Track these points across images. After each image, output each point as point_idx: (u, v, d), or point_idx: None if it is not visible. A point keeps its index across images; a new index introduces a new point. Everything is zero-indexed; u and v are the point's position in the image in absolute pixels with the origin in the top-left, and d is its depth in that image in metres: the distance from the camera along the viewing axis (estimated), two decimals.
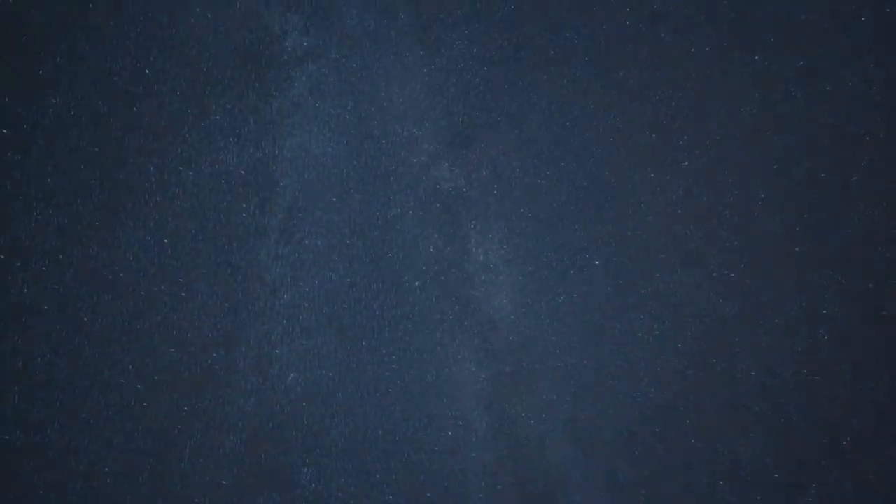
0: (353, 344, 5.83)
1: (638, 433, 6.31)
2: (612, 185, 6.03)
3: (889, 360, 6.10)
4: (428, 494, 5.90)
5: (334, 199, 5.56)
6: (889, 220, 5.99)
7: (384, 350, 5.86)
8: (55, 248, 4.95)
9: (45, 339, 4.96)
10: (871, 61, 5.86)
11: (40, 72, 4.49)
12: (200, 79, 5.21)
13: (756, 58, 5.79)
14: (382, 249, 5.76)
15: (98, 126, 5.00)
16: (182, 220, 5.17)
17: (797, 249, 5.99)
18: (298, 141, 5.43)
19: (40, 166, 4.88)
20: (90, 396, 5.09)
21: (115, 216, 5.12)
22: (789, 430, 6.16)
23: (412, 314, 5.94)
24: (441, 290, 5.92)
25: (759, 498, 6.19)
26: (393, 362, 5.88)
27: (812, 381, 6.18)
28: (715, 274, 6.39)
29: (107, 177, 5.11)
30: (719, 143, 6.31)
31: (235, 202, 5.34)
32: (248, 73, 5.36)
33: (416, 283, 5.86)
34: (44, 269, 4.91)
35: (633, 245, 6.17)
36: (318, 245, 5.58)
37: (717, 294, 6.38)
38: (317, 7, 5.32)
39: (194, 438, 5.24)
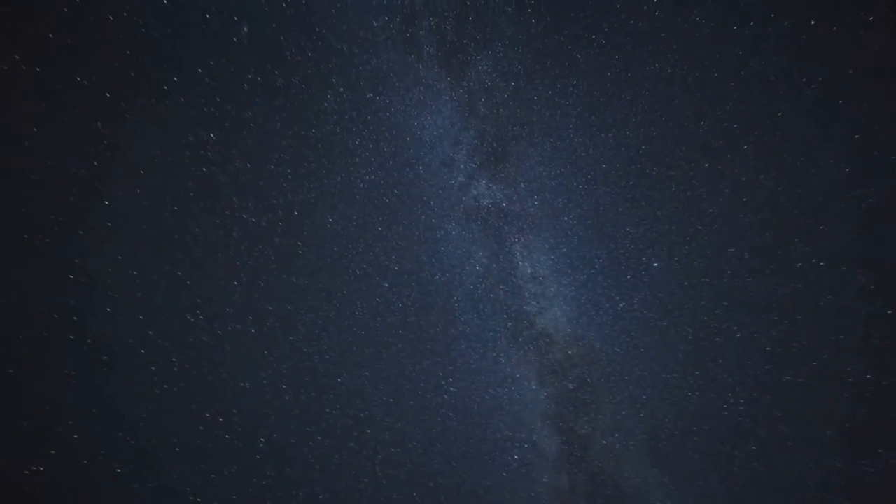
0: (409, 368, 3.83)
1: (731, 451, 3.56)
2: (661, 181, 3.67)
3: None
4: None
5: (380, 229, 3.79)
6: None
7: (440, 373, 3.86)
8: None
9: None
10: None
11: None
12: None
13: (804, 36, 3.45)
14: (430, 272, 3.88)
15: None
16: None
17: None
18: (344, 174, 3.83)
19: None
20: None
21: None
22: None
23: (465, 334, 3.91)
24: (492, 308, 3.88)
25: None
26: (450, 385, 3.83)
27: None
28: (800, 265, 3.64)
29: None
30: (781, 123, 3.74)
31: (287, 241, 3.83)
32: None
33: (466, 303, 3.83)
34: None
35: (695, 242, 3.68)
36: (367, 272, 3.78)
37: (806, 287, 3.59)
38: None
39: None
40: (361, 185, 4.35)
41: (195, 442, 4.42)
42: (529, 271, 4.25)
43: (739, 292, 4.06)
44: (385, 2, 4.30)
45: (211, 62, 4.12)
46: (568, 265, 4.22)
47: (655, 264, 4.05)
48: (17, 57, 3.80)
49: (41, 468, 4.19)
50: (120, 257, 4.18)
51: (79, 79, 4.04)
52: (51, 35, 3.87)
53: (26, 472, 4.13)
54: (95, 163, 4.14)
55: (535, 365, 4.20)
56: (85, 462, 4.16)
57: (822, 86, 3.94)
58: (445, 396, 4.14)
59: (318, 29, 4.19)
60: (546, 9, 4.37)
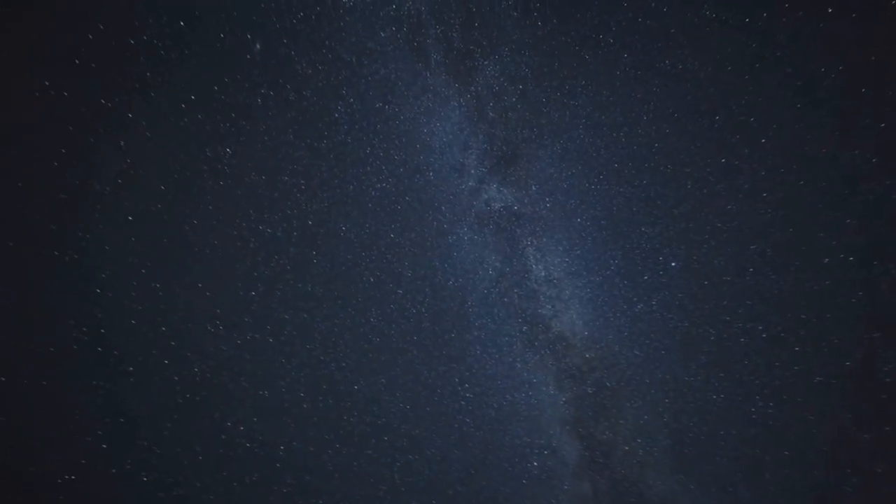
0: (425, 374, 3.77)
1: (762, 456, 3.37)
2: (677, 179, 3.55)
3: None
4: None
5: (392, 236, 3.77)
6: None
7: (456, 378, 3.79)
8: None
9: None
10: None
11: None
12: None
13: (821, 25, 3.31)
14: (443, 277, 3.83)
15: None
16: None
17: None
18: (356, 183, 3.83)
19: None
20: None
21: None
22: None
23: (480, 339, 3.84)
24: (506, 312, 3.80)
25: None
26: (466, 390, 3.76)
27: None
28: (827, 260, 3.46)
29: None
30: (800, 115, 3.58)
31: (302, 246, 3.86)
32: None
33: (481, 307, 3.76)
34: None
35: (714, 240, 3.54)
36: (380, 279, 3.76)
37: (834, 283, 3.40)
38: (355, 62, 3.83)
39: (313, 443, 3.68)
40: (373, 193, 4.34)
41: (218, 450, 4.44)
42: (543, 274, 4.14)
43: (764, 290, 3.87)
44: (392, 13, 4.31)
45: (226, 79, 4.20)
46: (583, 267, 4.10)
47: (673, 264, 3.89)
48: (47, 82, 3.93)
49: (73, 476, 4.25)
50: (143, 271, 4.26)
51: (103, 101, 4.16)
52: (76, 61, 4.00)
53: (59, 481, 4.21)
54: (119, 180, 4.24)
55: (552, 369, 4.07)
56: (113, 471, 4.21)
57: (842, 74, 3.75)
58: (462, 402, 4.05)
59: (327, 42, 4.23)
60: (552, 11, 4.31)
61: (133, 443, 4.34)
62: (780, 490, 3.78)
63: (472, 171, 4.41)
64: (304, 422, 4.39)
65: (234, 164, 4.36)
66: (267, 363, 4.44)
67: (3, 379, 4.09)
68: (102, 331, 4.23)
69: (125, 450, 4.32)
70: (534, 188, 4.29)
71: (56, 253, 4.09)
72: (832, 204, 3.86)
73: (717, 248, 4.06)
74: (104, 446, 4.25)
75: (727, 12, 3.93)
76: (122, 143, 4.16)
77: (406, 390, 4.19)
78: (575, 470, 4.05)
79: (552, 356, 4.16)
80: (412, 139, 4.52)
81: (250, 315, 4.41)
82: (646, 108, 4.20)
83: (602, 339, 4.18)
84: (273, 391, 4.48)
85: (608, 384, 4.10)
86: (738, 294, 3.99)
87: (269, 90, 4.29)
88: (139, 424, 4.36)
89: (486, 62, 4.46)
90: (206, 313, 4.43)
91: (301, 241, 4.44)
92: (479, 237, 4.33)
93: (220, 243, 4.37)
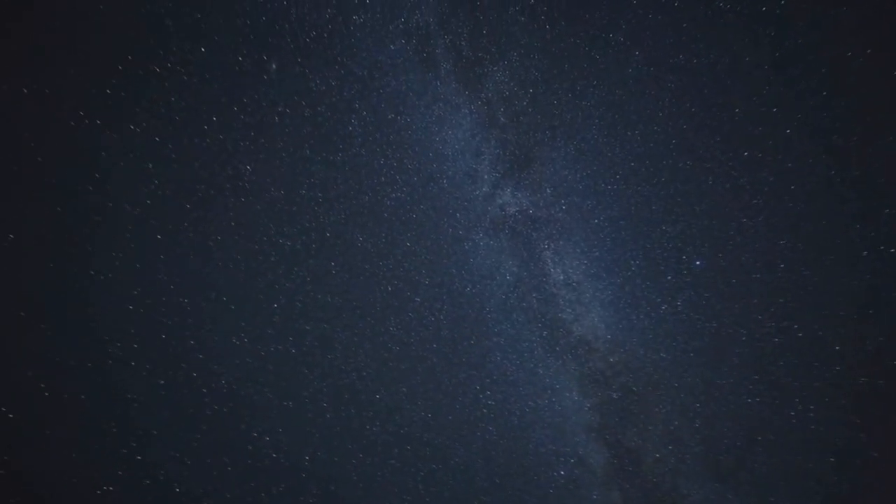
0: (445, 382, 3.68)
1: (804, 464, 3.10)
2: (697, 175, 3.38)
3: None
4: None
5: (408, 244, 3.74)
6: None
7: (477, 386, 3.69)
8: None
9: None
10: None
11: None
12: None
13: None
14: (461, 284, 3.76)
15: None
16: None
17: None
18: (371, 194, 3.83)
19: None
20: None
21: None
22: None
23: (500, 345, 3.72)
24: (525, 317, 3.68)
25: None
26: (488, 398, 3.65)
27: None
28: (865, 253, 3.19)
29: None
30: (827, 102, 3.35)
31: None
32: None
33: (499, 313, 3.66)
34: None
35: (740, 236, 3.33)
36: (398, 288, 3.72)
37: (875, 278, 3.11)
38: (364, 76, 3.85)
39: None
40: (388, 203, 4.31)
41: (245, 461, 4.43)
42: (562, 278, 3.99)
43: (797, 287, 3.61)
44: (401, 26, 4.32)
45: (244, 99, 4.28)
46: (602, 269, 3.94)
47: (698, 262, 3.69)
48: (82, 112, 4.09)
49: (110, 488, 4.32)
50: (171, 286, 4.35)
51: (132, 126, 4.30)
52: (108, 90, 4.16)
53: (98, 492, 4.28)
54: (148, 201, 4.36)
55: (575, 374, 3.90)
56: (147, 482, 4.26)
57: (869, 58, 3.50)
58: (484, 410, 3.92)
59: (339, 58, 4.27)
60: (559, 14, 4.23)
61: (166, 454, 4.38)
62: (826, 500, 3.48)
63: (486, 177, 4.33)
64: (328, 432, 4.35)
65: (254, 181, 4.42)
66: (290, 374, 4.44)
67: (47, 394, 4.23)
68: (135, 346, 4.32)
69: (158, 461, 4.37)
70: (548, 191, 4.17)
71: (90, 272, 4.22)
72: (868, 193, 3.59)
73: (743, 245, 3.83)
74: (138, 458, 4.31)
75: (742, 2, 3.75)
76: (150, 165, 4.28)
77: (427, 399, 4.10)
78: (604, 479, 3.84)
79: (574, 361, 3.99)
80: (425, 148, 4.48)
81: (273, 327, 4.43)
82: (661, 105, 4.03)
83: (626, 342, 3.99)
84: (297, 401, 4.46)
85: (634, 389, 3.89)
86: (769, 292, 3.74)
87: (285, 108, 4.35)
88: (171, 436, 4.41)
89: (495, 68, 4.41)
90: (232, 326, 4.47)
91: (319, 252, 4.44)
92: (495, 242, 4.23)
93: (242, 257, 4.42)
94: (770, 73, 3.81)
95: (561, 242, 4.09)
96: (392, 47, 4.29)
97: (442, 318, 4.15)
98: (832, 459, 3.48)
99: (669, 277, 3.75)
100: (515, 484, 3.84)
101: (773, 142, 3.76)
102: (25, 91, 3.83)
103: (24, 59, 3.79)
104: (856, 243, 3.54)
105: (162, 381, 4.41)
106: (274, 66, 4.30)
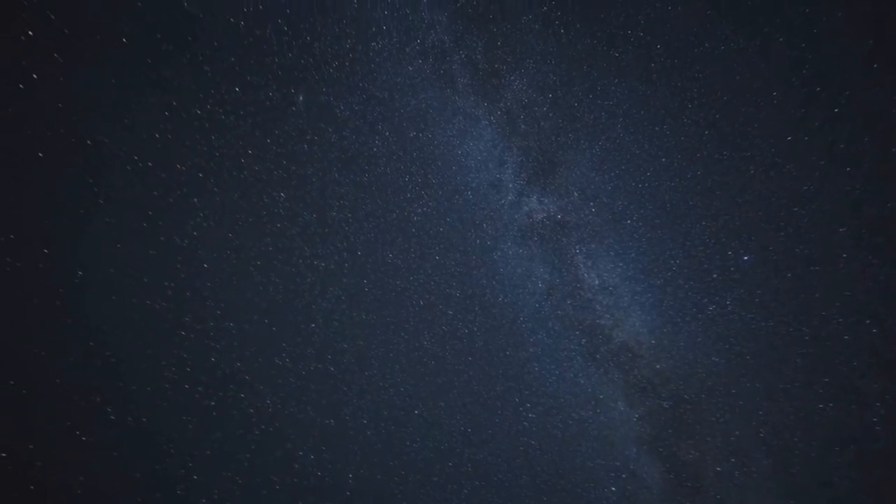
0: (483, 395, 3.50)
1: (885, 475, 2.61)
2: (736, 165, 3.08)
3: None
4: None
5: (437, 258, 3.65)
6: None
7: (516, 398, 3.46)
8: None
9: None
10: None
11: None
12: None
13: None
14: (492, 294, 3.61)
15: None
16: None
17: None
18: (399, 211, 3.81)
19: None
20: None
21: None
22: None
23: (537, 355, 3.51)
24: (561, 325, 3.46)
25: None
26: (528, 410, 3.42)
27: None
28: None
29: None
30: (878, 74, 2.95)
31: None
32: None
33: (534, 322, 3.46)
34: None
35: (791, 226, 2.98)
36: (430, 301, 3.62)
37: None
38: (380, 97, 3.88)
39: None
40: (415, 219, 4.24)
41: (293, 480, 4.39)
42: (597, 282, 3.72)
43: (865, 278, 3.15)
44: (417, 47, 4.32)
45: (276, 132, 4.40)
46: (640, 270, 3.63)
47: (746, 257, 3.32)
48: (136, 157, 4.35)
49: None
50: (218, 312, 4.45)
51: (179, 166, 4.52)
52: (157, 135, 4.41)
53: None
54: (195, 233, 4.53)
55: (619, 383, 3.58)
56: (203, 500, 4.30)
57: None
58: (525, 423, 3.67)
59: (360, 84, 4.31)
60: (574, 17, 4.07)
61: (219, 475, 4.42)
62: None
63: (510, 185, 4.17)
64: (369, 449, 4.22)
65: (288, 207, 4.50)
66: (330, 392, 4.38)
67: (112, 418, 4.40)
68: (187, 369, 4.43)
69: (212, 482, 4.41)
70: (576, 194, 3.94)
71: (148, 302, 4.40)
72: None
73: (796, 235, 3.42)
74: (194, 478, 4.36)
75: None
76: (195, 200, 4.47)
77: (466, 413, 3.90)
78: (661, 495, 3.45)
79: (618, 369, 3.67)
80: (448, 162, 4.40)
81: (312, 346, 4.42)
82: (689, 96, 3.74)
83: (673, 347, 3.63)
84: (338, 419, 4.39)
85: (686, 397, 3.51)
86: (831, 284, 3.29)
87: (313, 135, 4.43)
88: (223, 456, 4.45)
89: (512, 77, 4.29)
90: (274, 347, 4.50)
91: (352, 271, 4.42)
92: (524, 250, 4.03)
93: (281, 280, 4.47)
94: (808, 52, 3.44)
95: (593, 246, 3.83)
96: (410, 68, 4.29)
97: (475, 329, 3.97)
98: None
99: (715, 275, 3.39)
100: (563, 501, 3.52)
101: (819, 123, 3.37)
102: (89, 142, 4.13)
103: (85, 115, 4.09)
104: None
105: (212, 403, 4.48)
106: (301, 98, 4.40)
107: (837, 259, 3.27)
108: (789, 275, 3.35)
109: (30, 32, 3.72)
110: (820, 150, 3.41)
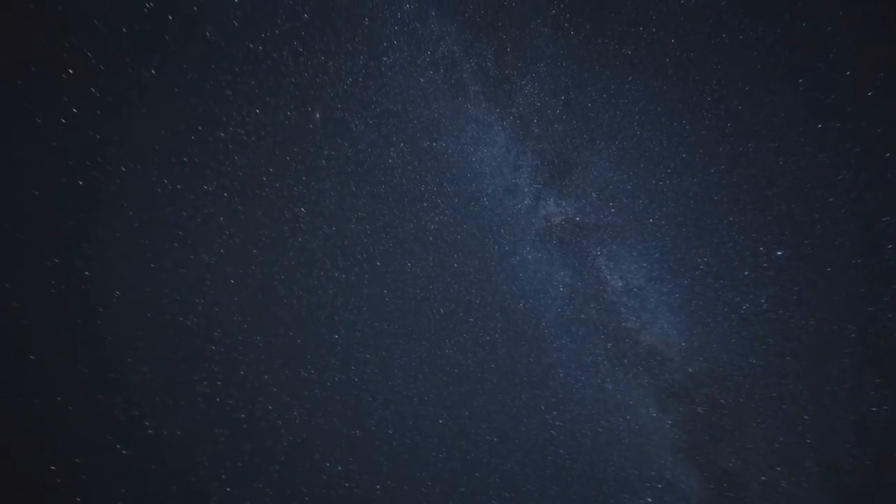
0: (508, 404, 3.38)
1: None
2: (763, 157, 2.90)
3: None
4: None
5: (456, 265, 3.59)
6: None
7: (542, 406, 3.35)
8: None
9: None
10: None
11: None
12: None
13: None
14: (513, 300, 3.51)
15: None
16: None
17: None
18: (416, 220, 3.77)
19: None
20: None
21: None
22: None
23: (561, 361, 3.37)
24: (585, 329, 3.32)
25: None
26: (555, 419, 3.28)
27: None
28: None
29: None
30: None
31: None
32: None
33: (557, 327, 3.33)
34: None
35: (828, 217, 2.77)
36: (450, 310, 3.56)
37: None
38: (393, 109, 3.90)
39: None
40: (432, 227, 4.19)
41: (322, 491, 4.34)
42: (621, 284, 3.55)
43: None
44: (428, 58, 4.31)
45: (295, 149, 4.47)
46: (666, 271, 3.45)
47: (779, 253, 3.10)
48: (166, 180, 4.49)
49: None
50: (245, 326, 4.50)
51: (205, 186, 4.63)
52: (185, 158, 4.54)
53: None
54: (222, 250, 4.61)
55: (649, 388, 3.38)
56: None
57: None
58: (552, 432, 3.51)
59: (374, 98, 4.33)
60: (583, 18, 3.97)
61: (251, 486, 4.42)
62: None
63: (527, 190, 4.07)
64: (396, 459, 4.13)
65: (308, 221, 4.54)
66: (355, 402, 4.34)
67: (150, 432, 4.49)
68: (218, 383, 4.48)
69: (245, 493, 4.41)
70: (594, 195, 3.80)
71: (180, 318, 4.49)
72: None
73: (834, 228, 3.17)
74: (227, 489, 4.38)
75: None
76: (221, 218, 4.56)
77: (491, 422, 3.76)
78: None
79: (647, 373, 3.47)
80: (462, 169, 4.34)
81: (336, 357, 4.39)
82: (707, 89, 3.56)
83: (705, 349, 3.41)
84: (363, 430, 4.33)
85: (723, 401, 3.28)
86: (876, 278, 3.02)
87: (330, 151, 4.47)
88: (254, 468, 4.45)
89: (523, 82, 4.21)
90: (300, 359, 4.50)
91: (372, 282, 4.40)
92: (543, 254, 3.90)
93: (304, 293, 4.49)
94: (834, 36, 3.22)
95: (614, 247, 3.67)
96: (421, 80, 4.28)
97: (497, 336, 3.85)
98: None
99: (747, 273, 3.17)
100: None
101: (852, 108, 3.13)
102: (123, 169, 4.29)
103: (119, 145, 4.26)
104: None
105: (243, 415, 4.50)
106: (318, 116, 4.45)
107: (882, 250, 3.00)
108: (828, 269, 3.10)
109: (70, 71, 3.92)
110: (854, 136, 3.16)
